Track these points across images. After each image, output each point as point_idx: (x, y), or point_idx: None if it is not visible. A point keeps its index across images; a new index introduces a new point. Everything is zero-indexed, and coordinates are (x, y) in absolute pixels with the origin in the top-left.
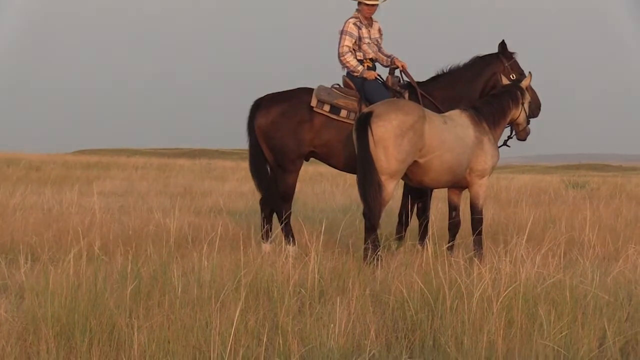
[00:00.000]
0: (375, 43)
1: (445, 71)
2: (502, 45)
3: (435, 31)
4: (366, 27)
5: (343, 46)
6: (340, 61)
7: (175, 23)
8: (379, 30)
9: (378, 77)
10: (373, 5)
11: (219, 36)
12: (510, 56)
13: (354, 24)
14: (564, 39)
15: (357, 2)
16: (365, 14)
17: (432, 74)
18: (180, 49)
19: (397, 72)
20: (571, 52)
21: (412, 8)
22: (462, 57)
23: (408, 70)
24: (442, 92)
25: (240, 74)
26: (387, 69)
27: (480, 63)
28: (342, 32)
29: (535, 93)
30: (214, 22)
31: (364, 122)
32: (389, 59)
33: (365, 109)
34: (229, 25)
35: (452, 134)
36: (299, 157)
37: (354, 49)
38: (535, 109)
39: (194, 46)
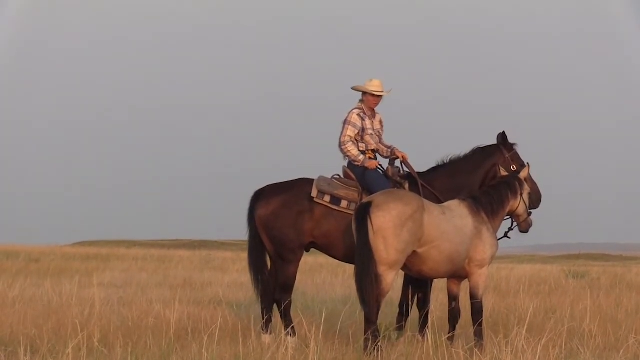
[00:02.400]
0: (377, 134)
1: (445, 162)
2: (503, 136)
3: (436, 121)
4: (369, 118)
5: (345, 136)
6: (342, 150)
7: (173, 113)
8: (381, 122)
9: (379, 167)
10: (379, 96)
11: (219, 126)
12: (510, 147)
13: (358, 114)
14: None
15: (362, 92)
16: (370, 104)
17: (433, 164)
18: (180, 141)
19: (397, 163)
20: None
21: (413, 98)
22: (463, 146)
23: (408, 161)
24: (442, 182)
25: (240, 165)
26: (388, 160)
27: (480, 154)
28: (345, 122)
29: (535, 184)
30: (211, 113)
31: (363, 212)
32: (389, 150)
33: (364, 199)
34: (227, 115)
35: (451, 224)
36: (299, 247)
37: (356, 140)
38: (535, 201)
39: (194, 139)
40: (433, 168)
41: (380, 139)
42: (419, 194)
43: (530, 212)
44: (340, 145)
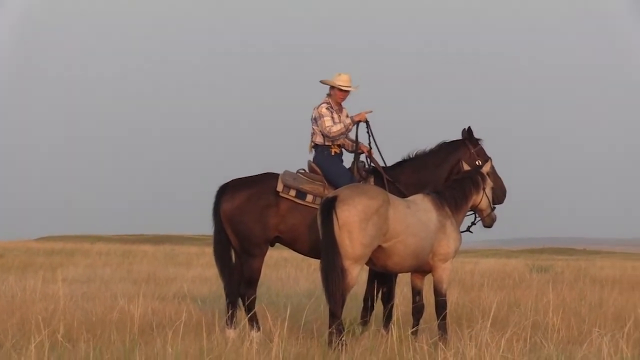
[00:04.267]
0: None
1: (411, 156)
2: (469, 131)
3: (409, 110)
4: (337, 112)
5: (326, 127)
6: (332, 137)
7: (138, 108)
8: (347, 116)
9: (367, 122)
10: (347, 90)
11: (184, 119)
12: (476, 142)
13: (327, 108)
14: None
15: (329, 86)
16: (338, 98)
17: (399, 159)
18: (144, 136)
19: (362, 157)
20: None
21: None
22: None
23: (373, 155)
24: (407, 177)
25: (204, 160)
26: (353, 155)
27: (446, 149)
28: (319, 117)
29: (500, 179)
30: (174, 108)
31: (328, 207)
32: (355, 144)
33: (330, 194)
34: (194, 112)
35: (415, 218)
36: (264, 242)
37: (322, 134)
38: (500, 195)
39: (157, 134)
40: (398, 162)
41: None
42: (384, 188)
43: (494, 207)
44: (328, 135)
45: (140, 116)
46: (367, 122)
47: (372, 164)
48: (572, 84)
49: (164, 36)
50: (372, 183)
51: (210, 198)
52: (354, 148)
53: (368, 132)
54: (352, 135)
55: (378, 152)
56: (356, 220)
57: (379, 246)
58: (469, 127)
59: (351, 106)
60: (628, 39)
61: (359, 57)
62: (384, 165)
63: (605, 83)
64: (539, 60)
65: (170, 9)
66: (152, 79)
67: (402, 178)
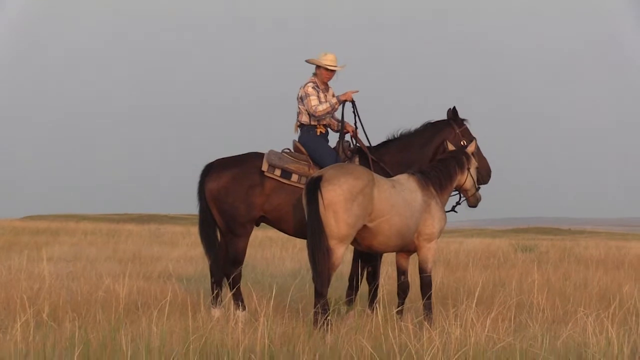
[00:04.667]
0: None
1: (396, 136)
2: (454, 111)
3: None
4: (323, 92)
5: (312, 106)
6: (317, 117)
7: (122, 91)
8: (333, 96)
9: (353, 101)
10: (332, 70)
11: (169, 98)
12: (461, 123)
13: (313, 87)
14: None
15: (315, 66)
16: (324, 78)
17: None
18: (128, 117)
19: (347, 137)
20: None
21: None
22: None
23: (358, 135)
24: (392, 157)
25: (189, 139)
26: (338, 134)
27: (431, 129)
28: (305, 97)
29: (485, 160)
30: (164, 86)
31: (313, 187)
32: (340, 124)
33: (315, 173)
34: (180, 95)
35: (400, 198)
36: (249, 221)
37: (310, 114)
38: (485, 176)
39: (143, 110)
40: (383, 142)
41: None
42: (369, 168)
43: (479, 187)
44: (314, 115)
45: (127, 95)
46: (353, 101)
47: (357, 144)
48: (558, 66)
49: (137, 14)
50: (357, 163)
51: (195, 177)
52: (340, 127)
53: (354, 112)
54: (337, 114)
55: (363, 132)
56: (341, 200)
57: (364, 226)
58: (454, 108)
59: (338, 85)
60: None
61: (347, 36)
62: (368, 145)
63: (590, 64)
64: (521, 41)
65: None
66: (136, 58)
67: (387, 158)
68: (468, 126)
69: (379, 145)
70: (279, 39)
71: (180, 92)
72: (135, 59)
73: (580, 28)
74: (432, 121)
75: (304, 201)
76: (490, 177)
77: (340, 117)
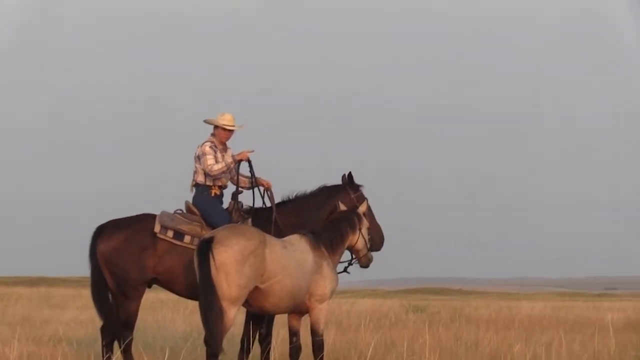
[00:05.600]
0: (228, 168)
1: (291, 197)
2: (349, 177)
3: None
4: (220, 152)
5: (207, 165)
6: (213, 176)
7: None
8: (232, 156)
9: (249, 161)
10: (230, 130)
11: (58, 156)
12: (356, 188)
13: (210, 147)
14: None
15: (213, 126)
16: (222, 138)
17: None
18: (16, 176)
19: (256, 191)
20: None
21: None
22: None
23: (272, 190)
24: (286, 218)
25: (77, 198)
26: (230, 194)
27: (327, 193)
28: (201, 156)
29: (379, 227)
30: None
31: (205, 248)
32: (251, 180)
33: (206, 235)
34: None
35: (292, 258)
36: (141, 283)
37: (204, 172)
38: (378, 243)
39: (34, 166)
40: (278, 203)
41: (237, 172)
42: (264, 228)
43: (370, 247)
44: (210, 175)
45: (12, 154)
46: (249, 160)
47: (267, 200)
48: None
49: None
50: (250, 224)
51: (86, 239)
52: (252, 184)
53: (250, 171)
54: (245, 172)
55: (259, 192)
56: (233, 261)
57: (256, 287)
58: (350, 173)
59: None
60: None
61: (246, 98)
62: (262, 206)
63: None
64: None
65: None
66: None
67: (280, 219)
68: (363, 192)
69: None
70: (180, 102)
71: (71, 146)
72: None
73: None
74: (328, 185)
75: (195, 262)
76: (383, 243)
77: (249, 174)
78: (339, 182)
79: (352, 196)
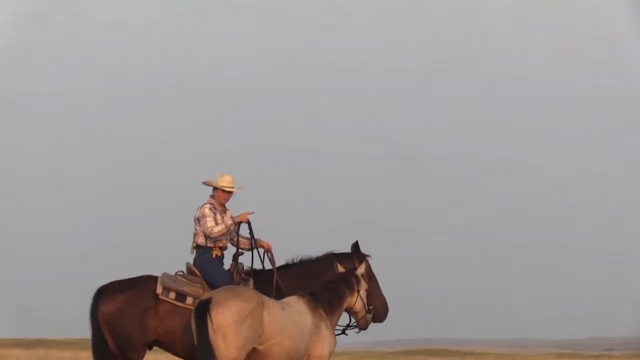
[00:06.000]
0: (228, 229)
1: (295, 261)
2: (356, 245)
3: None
4: (220, 214)
5: (207, 227)
6: (213, 238)
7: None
8: (232, 218)
9: (249, 222)
10: (229, 191)
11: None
12: (362, 257)
13: (210, 209)
14: None
15: (212, 187)
16: (221, 200)
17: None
18: (10, 232)
19: (257, 252)
20: None
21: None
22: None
23: (272, 251)
24: (289, 281)
25: (74, 258)
26: (232, 256)
27: (332, 260)
28: (201, 218)
29: (383, 298)
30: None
31: (203, 309)
32: (251, 241)
33: (204, 296)
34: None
35: (290, 320)
36: (143, 345)
37: (205, 234)
38: (381, 314)
39: (32, 224)
40: (282, 266)
41: (236, 233)
42: (265, 290)
43: (368, 309)
44: (210, 237)
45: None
46: (248, 222)
47: (267, 261)
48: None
49: None
50: (251, 285)
51: (85, 300)
52: (251, 245)
53: (250, 233)
54: (245, 233)
55: (258, 255)
56: (230, 323)
57: (254, 348)
58: (357, 242)
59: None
60: None
61: (244, 157)
62: (262, 268)
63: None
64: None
65: None
66: None
67: (283, 282)
68: (370, 262)
69: (277, 268)
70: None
71: (71, 195)
72: None
73: None
74: (335, 252)
75: (193, 324)
76: (386, 315)
77: (249, 236)
78: (349, 249)
79: (356, 265)
